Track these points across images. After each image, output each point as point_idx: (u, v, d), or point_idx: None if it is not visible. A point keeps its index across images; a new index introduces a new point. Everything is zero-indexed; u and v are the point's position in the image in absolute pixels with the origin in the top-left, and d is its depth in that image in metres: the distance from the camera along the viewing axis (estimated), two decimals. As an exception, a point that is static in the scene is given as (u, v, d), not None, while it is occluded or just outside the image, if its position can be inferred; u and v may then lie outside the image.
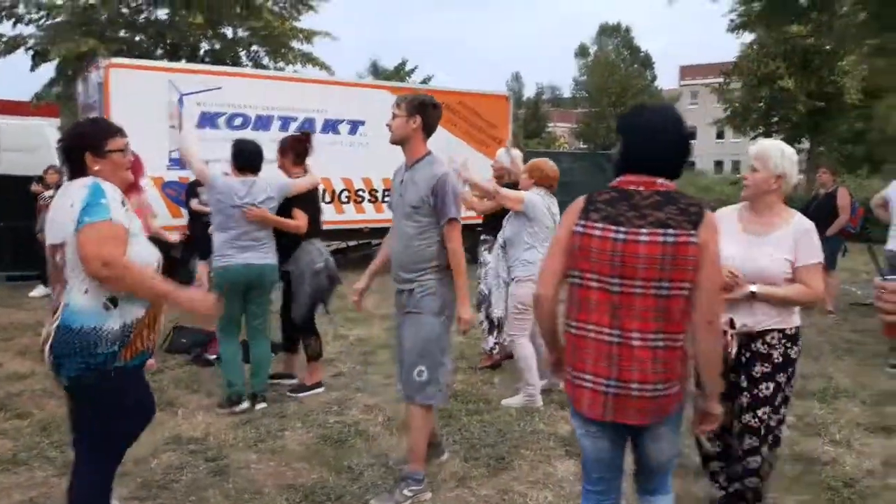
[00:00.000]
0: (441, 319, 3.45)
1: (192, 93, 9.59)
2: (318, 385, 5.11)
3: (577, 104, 53.70)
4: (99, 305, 2.45)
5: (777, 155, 2.90)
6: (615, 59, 50.48)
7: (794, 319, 2.95)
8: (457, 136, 11.37)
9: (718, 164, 49.95)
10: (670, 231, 2.11)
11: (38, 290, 8.94)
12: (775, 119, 23.84)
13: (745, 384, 2.96)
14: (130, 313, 2.51)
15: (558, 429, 4.41)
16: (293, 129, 10.28)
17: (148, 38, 14.98)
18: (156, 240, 3.15)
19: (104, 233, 2.40)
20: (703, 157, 48.84)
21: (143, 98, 8.94)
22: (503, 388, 5.23)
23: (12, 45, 13.86)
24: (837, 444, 4.19)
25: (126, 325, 2.50)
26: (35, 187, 9.17)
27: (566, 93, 59.34)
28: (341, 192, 11.08)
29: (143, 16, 14.84)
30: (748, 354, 2.95)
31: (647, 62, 52.53)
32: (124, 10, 14.51)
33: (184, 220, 8.21)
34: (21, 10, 13.64)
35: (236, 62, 15.38)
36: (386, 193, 11.36)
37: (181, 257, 7.81)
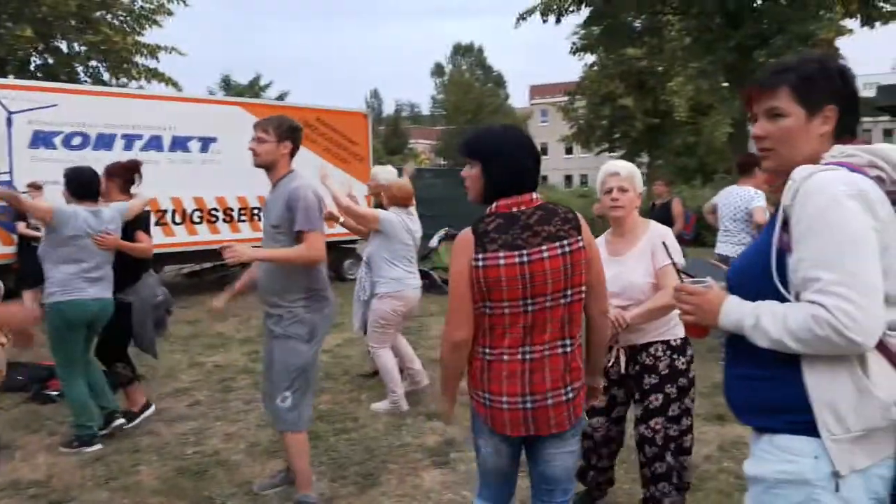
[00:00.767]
0: (310, 345, 3.43)
1: (22, 111, 8.87)
2: (147, 406, 4.90)
3: (435, 122, 54.82)
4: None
5: (639, 174, 3.14)
6: (469, 77, 52.12)
7: (677, 331, 3.02)
8: (316, 152, 11.21)
9: (568, 178, 52.58)
10: (565, 242, 2.20)
11: None
12: (617, 135, 25.71)
13: (637, 396, 3.10)
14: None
15: (425, 440, 4.45)
16: (139, 147, 9.76)
17: (-32, 51, 13.68)
18: None
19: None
20: (553, 173, 51.34)
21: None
22: (370, 403, 5.20)
23: None
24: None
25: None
26: None
27: (425, 110, 60.49)
28: (193, 212, 10.53)
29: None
30: (637, 367, 3.08)
31: (499, 81, 54.62)
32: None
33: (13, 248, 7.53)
34: None
35: (73, 78, 14.41)
36: (242, 212, 11.05)
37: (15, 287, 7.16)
